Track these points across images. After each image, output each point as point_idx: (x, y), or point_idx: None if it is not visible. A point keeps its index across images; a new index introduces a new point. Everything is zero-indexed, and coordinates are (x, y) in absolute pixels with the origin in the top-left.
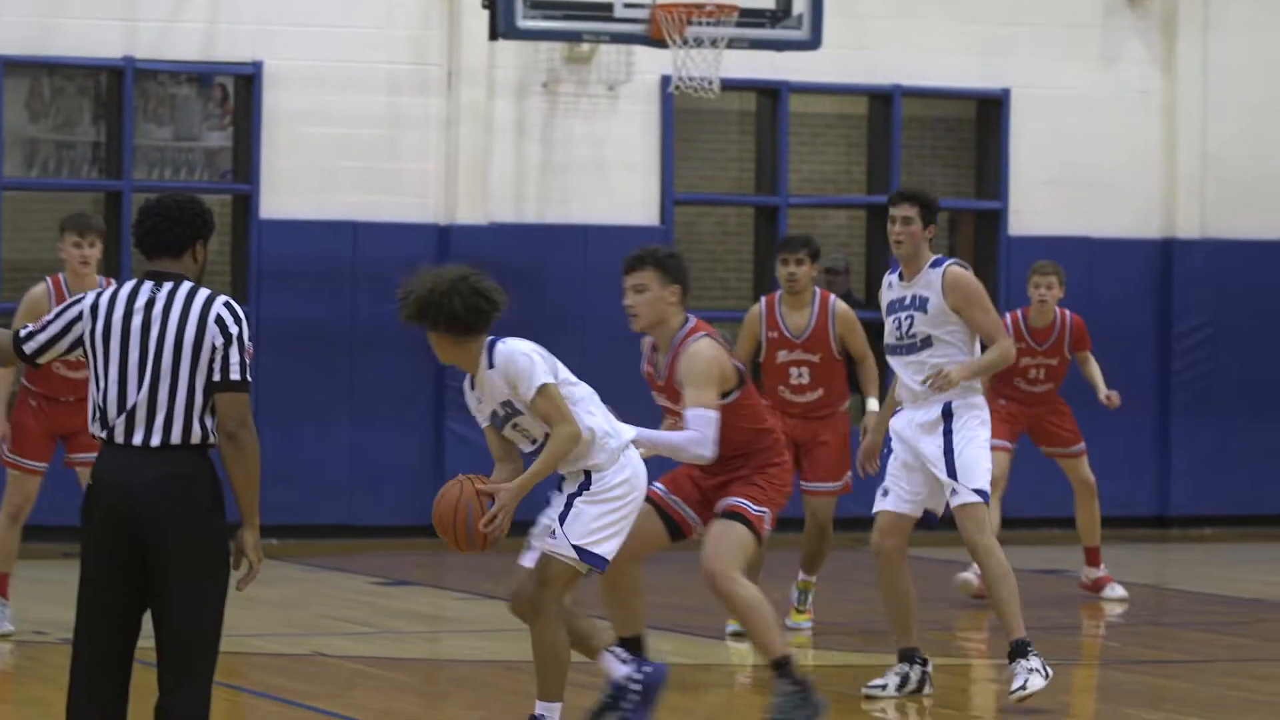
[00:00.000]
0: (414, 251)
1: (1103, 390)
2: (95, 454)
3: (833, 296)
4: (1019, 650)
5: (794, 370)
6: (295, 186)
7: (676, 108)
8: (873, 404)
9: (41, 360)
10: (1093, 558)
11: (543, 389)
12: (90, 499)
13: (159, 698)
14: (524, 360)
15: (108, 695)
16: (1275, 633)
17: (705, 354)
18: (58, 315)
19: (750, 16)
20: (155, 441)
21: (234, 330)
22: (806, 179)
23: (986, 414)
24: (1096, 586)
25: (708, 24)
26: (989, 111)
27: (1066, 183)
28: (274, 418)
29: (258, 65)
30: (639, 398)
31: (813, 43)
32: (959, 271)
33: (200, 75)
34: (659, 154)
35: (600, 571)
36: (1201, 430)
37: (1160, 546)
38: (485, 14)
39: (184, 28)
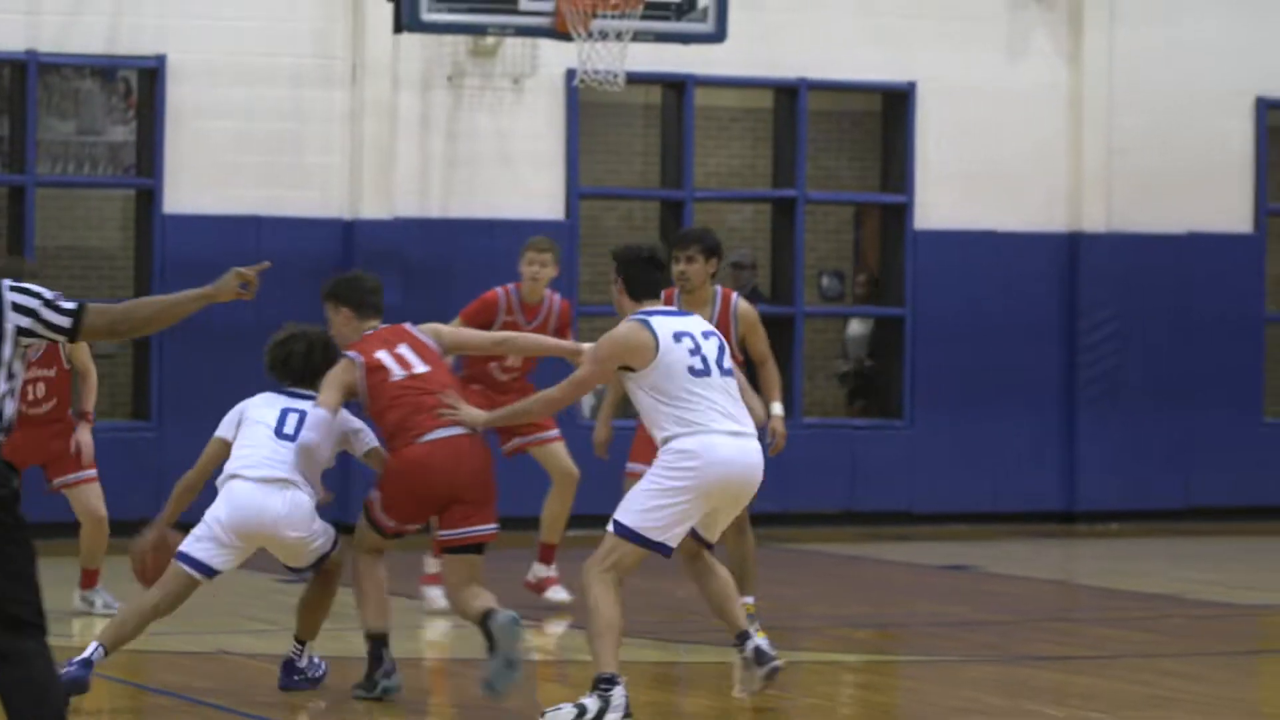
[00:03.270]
0: (318, 246)
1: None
2: None
3: (734, 295)
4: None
5: None
6: (199, 181)
7: (581, 101)
8: (776, 408)
9: None
10: (547, 554)
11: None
12: None
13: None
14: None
15: None
16: (1182, 628)
17: None
18: None
19: (655, 9)
20: None
21: (34, 300)
22: (712, 173)
23: None
24: (540, 587)
25: (613, 17)
26: (895, 105)
27: (973, 176)
28: (179, 412)
29: (161, 59)
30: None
31: (718, 36)
32: None
33: (103, 69)
34: (564, 147)
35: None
36: (1108, 424)
37: (1067, 542)
38: (389, 7)
39: (87, 21)
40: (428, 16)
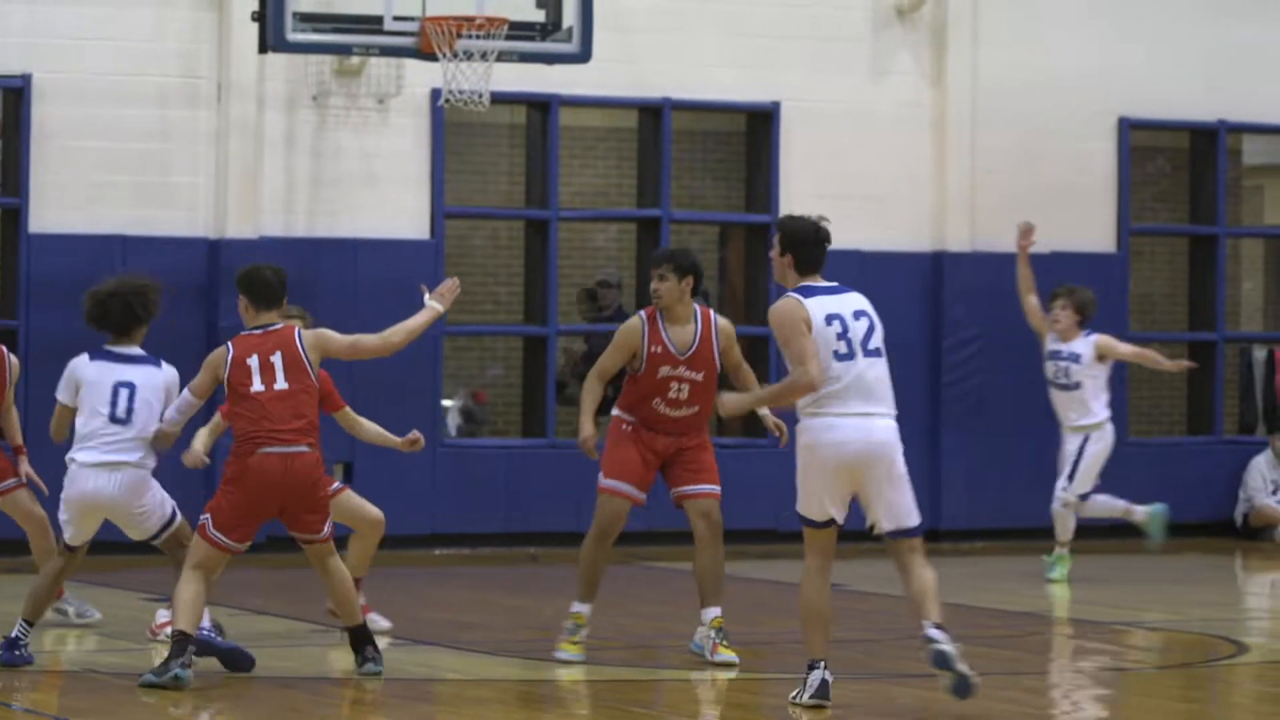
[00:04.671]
0: (184, 265)
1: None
2: None
3: (713, 312)
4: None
5: (674, 385)
6: (65, 200)
7: (447, 121)
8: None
9: None
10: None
11: None
12: None
13: None
14: None
15: None
16: (1047, 646)
17: None
18: None
19: (520, 29)
20: None
21: None
22: (577, 192)
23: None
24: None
25: (477, 37)
26: (759, 125)
27: (837, 196)
28: (44, 433)
29: (26, 78)
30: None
31: (583, 56)
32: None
33: None
34: (429, 167)
35: None
36: (972, 443)
37: (931, 560)
38: (255, 27)
39: None
40: (293, 37)
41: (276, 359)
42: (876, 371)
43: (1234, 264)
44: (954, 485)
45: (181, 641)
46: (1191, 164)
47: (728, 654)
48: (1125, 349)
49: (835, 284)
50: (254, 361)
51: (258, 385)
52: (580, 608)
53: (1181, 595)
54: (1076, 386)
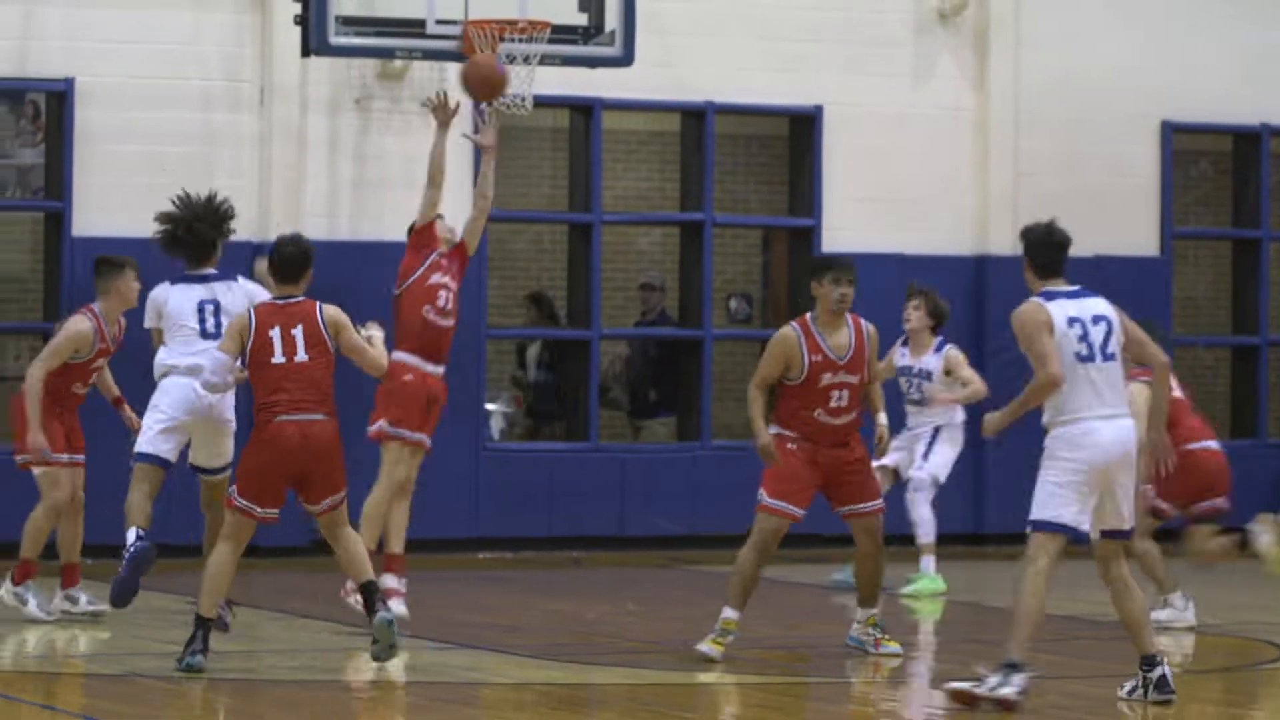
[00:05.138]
0: (228, 270)
1: None
2: None
3: (863, 320)
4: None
5: (835, 393)
6: (108, 204)
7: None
8: (881, 418)
9: None
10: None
11: None
12: None
13: None
14: None
15: None
16: (1089, 649)
17: None
18: None
19: (563, 33)
20: None
21: None
22: (620, 196)
23: None
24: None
25: (520, 41)
26: (801, 128)
27: (879, 199)
28: (104, 438)
29: (69, 82)
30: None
31: (625, 59)
32: None
33: (11, 92)
34: (472, 171)
35: None
36: (1017, 446)
37: (976, 564)
38: (298, 31)
39: None
40: (336, 40)
41: (298, 332)
42: (1113, 375)
43: (1277, 268)
44: (998, 489)
45: (203, 626)
46: (1234, 167)
47: (892, 645)
48: (967, 374)
49: (1078, 288)
50: (275, 333)
51: (279, 357)
52: (731, 614)
53: (1222, 599)
54: (929, 403)
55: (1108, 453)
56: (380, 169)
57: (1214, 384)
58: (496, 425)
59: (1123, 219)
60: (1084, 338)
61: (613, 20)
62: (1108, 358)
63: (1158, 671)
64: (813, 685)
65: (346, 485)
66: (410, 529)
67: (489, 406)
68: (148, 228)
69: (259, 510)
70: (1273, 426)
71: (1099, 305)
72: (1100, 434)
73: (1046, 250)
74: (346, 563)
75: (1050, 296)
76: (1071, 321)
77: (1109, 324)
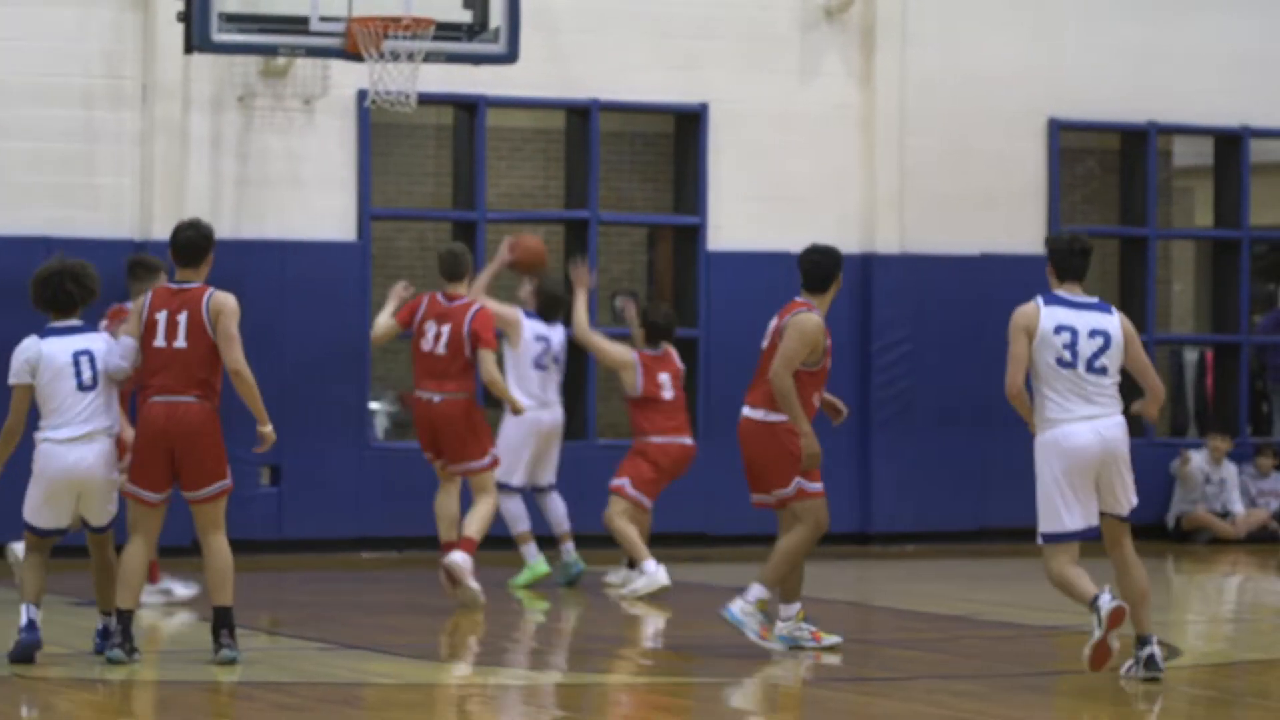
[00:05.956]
0: (109, 267)
1: None
2: None
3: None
4: None
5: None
6: None
7: (373, 122)
8: None
9: None
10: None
11: None
12: None
13: None
14: None
15: None
16: (975, 649)
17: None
18: None
19: (447, 30)
20: None
21: None
22: (504, 194)
23: None
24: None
25: (404, 38)
26: (687, 126)
27: (765, 197)
28: None
29: None
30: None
31: (510, 56)
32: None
33: None
34: (356, 169)
35: None
36: (901, 446)
37: (862, 563)
38: (180, 27)
39: None
40: (218, 37)
41: (182, 318)
42: (1097, 385)
43: (1164, 266)
44: (883, 488)
45: (124, 620)
46: (1122, 165)
47: (832, 637)
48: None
49: (1093, 300)
50: (162, 317)
51: (160, 341)
52: (764, 593)
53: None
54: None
55: (1086, 453)
56: (263, 167)
57: None
58: (380, 425)
59: (1010, 217)
60: (1070, 345)
61: (497, 17)
62: (1094, 370)
63: (1147, 650)
64: (697, 686)
65: (229, 481)
66: (292, 528)
67: (373, 406)
68: (27, 225)
69: (145, 494)
70: (1159, 425)
71: (1104, 321)
72: (1078, 437)
73: (1069, 258)
74: (208, 573)
75: (1050, 300)
76: (1059, 329)
77: (1107, 340)
